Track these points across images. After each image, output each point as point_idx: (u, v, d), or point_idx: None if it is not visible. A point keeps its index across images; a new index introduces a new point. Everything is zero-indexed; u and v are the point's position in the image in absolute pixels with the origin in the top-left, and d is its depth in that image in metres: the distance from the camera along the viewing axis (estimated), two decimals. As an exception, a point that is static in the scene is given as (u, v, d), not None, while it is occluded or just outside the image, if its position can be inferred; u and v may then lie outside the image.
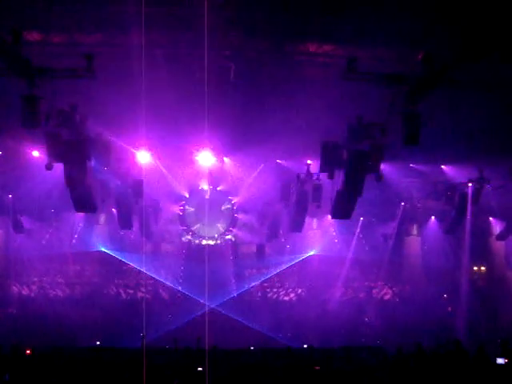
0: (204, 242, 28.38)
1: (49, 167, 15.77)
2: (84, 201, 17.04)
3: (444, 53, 12.94)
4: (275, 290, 28.60)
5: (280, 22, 14.44)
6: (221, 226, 28.18)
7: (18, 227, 26.43)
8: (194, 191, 27.07)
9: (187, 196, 27.21)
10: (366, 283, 28.73)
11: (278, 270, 28.82)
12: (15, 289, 27.48)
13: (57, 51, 15.56)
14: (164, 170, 23.60)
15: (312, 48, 16.36)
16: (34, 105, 13.65)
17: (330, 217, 21.73)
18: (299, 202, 22.13)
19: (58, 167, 15.95)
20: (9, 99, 14.65)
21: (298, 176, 21.95)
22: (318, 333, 24.32)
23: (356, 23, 14.16)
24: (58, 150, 15.45)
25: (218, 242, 28.49)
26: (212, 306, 25.31)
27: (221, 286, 27.02)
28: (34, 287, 27.78)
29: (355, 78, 14.11)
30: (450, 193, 24.46)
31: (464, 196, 23.56)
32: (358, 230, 28.15)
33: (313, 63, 17.01)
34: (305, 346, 18.74)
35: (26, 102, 13.57)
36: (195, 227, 28.05)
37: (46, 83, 13.95)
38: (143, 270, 27.25)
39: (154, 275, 27.87)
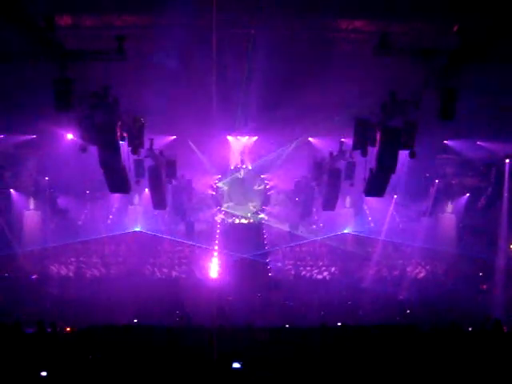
0: (237, 221, 28.53)
1: (83, 150, 15.96)
2: (118, 182, 17.22)
3: (479, 26, 12.60)
4: (308, 268, 28.62)
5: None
6: (254, 205, 28.25)
7: (54, 208, 26.98)
8: (227, 170, 27.15)
9: (220, 176, 27.31)
10: (400, 261, 28.53)
11: (312, 249, 28.86)
12: (54, 269, 28.12)
13: (88, 34, 15.67)
14: (197, 150, 23.73)
15: (343, 24, 16.13)
16: (66, 88, 13.81)
17: (363, 195, 21.61)
18: (332, 180, 21.98)
19: (93, 149, 16.14)
20: (42, 83, 14.80)
21: (331, 154, 21.79)
22: (351, 311, 24.33)
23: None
24: (92, 133, 15.61)
25: (251, 220, 28.60)
26: (246, 284, 25.50)
27: (255, 266, 27.19)
28: (71, 267, 28.37)
29: (388, 54, 13.87)
30: (486, 169, 23.99)
31: (501, 172, 23.08)
32: (392, 208, 27.90)
33: (345, 40, 16.79)
34: (338, 324, 18.75)
35: (59, 85, 13.73)
36: (228, 206, 28.17)
37: (79, 66, 14.07)
38: (177, 249, 27.54)
39: (187, 255, 28.21)
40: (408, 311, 24.09)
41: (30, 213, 28.14)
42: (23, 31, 13.00)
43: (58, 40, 13.63)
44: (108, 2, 14.77)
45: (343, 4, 14.46)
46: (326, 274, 28.54)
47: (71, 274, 28.31)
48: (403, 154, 16.75)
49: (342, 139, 21.24)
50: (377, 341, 13.64)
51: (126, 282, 26.51)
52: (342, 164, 21.56)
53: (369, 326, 17.05)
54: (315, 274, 28.56)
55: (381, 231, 28.13)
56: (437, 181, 26.70)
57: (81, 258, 28.57)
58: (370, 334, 14.14)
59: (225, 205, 28.14)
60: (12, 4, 11.76)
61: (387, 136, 16.31)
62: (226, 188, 27.72)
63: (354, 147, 18.01)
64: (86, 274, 28.33)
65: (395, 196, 27.22)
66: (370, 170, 17.60)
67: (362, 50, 16.01)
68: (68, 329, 16.32)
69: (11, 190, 26.22)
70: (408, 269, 28.33)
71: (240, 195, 27.78)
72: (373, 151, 17.32)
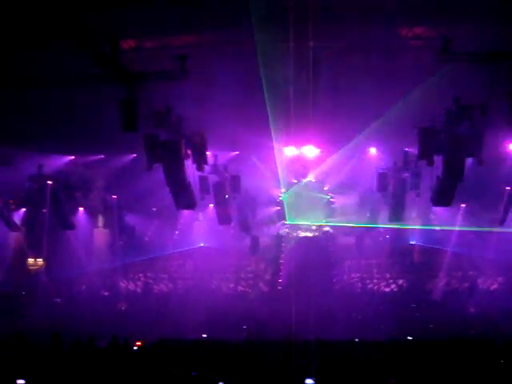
0: (302, 234, 28.40)
1: (149, 168, 16.33)
2: (184, 198, 17.52)
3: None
4: (375, 281, 28.13)
5: (369, 8, 14.13)
6: (318, 218, 28.06)
7: (122, 226, 27.72)
8: (291, 184, 27.13)
9: (284, 189, 27.34)
10: (471, 273, 27.58)
11: (378, 261, 28.35)
12: (122, 285, 28.80)
13: (150, 55, 16.11)
14: (260, 164, 23.85)
15: (403, 32, 15.89)
16: (132, 108, 14.22)
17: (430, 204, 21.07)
18: (397, 190, 21.60)
19: (158, 167, 16.48)
20: (108, 104, 15.29)
21: (395, 164, 21.43)
22: (420, 324, 23.68)
23: (445, 2, 13.58)
24: (157, 151, 15.97)
25: (316, 233, 28.41)
26: (312, 297, 25.29)
27: (320, 278, 26.97)
28: (139, 283, 28.99)
29: (451, 59, 13.56)
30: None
31: None
32: (460, 218, 27.08)
33: (405, 48, 16.54)
34: (409, 338, 18.28)
35: (125, 106, 14.15)
36: (293, 220, 28.09)
37: (142, 87, 14.47)
38: (243, 264, 27.69)
39: (253, 269, 28.30)
40: (482, 325, 23.19)
41: (98, 231, 29.03)
42: (90, 56, 13.53)
43: (122, 63, 14.09)
44: (168, 23, 15.14)
45: (402, 11, 14.25)
46: (393, 286, 27.95)
47: (139, 290, 28.92)
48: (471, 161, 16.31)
49: (406, 149, 20.88)
50: (450, 356, 13.21)
51: (192, 297, 26.82)
52: (407, 174, 21.17)
53: (441, 340, 16.54)
54: (382, 287, 28.02)
55: (449, 241, 27.32)
56: (508, 188, 25.70)
57: (148, 274, 29.15)
58: (442, 349, 13.71)
59: (289, 218, 28.07)
60: (80, 31, 12.27)
61: (453, 143, 15.93)
62: (290, 201, 27.67)
63: (420, 156, 17.64)
64: (154, 289, 28.87)
65: (463, 205, 26.41)
66: (437, 178, 17.19)
67: (424, 57, 15.71)
68: (138, 343, 16.62)
69: (80, 209, 27.13)
70: (479, 280, 27.34)
71: (304, 208, 27.66)
72: (438, 160, 16.94)
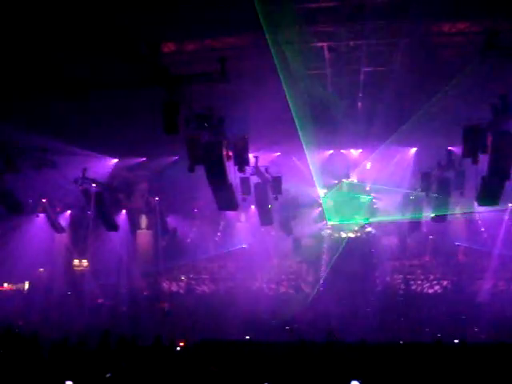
0: (344, 235, 28.18)
1: (191, 169, 16.46)
2: (226, 200, 17.57)
3: None
4: (419, 282, 27.67)
5: (410, 3, 13.89)
6: (361, 218, 27.79)
7: (164, 228, 28.05)
8: (332, 184, 26.94)
9: (326, 190, 27.16)
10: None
11: (422, 262, 27.89)
12: (165, 286, 29.13)
13: (191, 58, 16.24)
14: (301, 165, 23.77)
15: (445, 27, 15.58)
16: (173, 111, 14.36)
17: (475, 205, 20.63)
18: (441, 190, 21.19)
19: (200, 169, 16.60)
20: (150, 107, 15.47)
21: (439, 163, 21.03)
22: (467, 327, 23.19)
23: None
24: (199, 153, 16.08)
25: (359, 234, 28.15)
26: (355, 299, 25.08)
27: (363, 280, 26.70)
28: (181, 284, 29.26)
29: (497, 54, 13.21)
30: None
31: None
32: (507, 218, 26.40)
33: (448, 44, 16.22)
34: (456, 340, 17.91)
35: (167, 109, 14.31)
36: (335, 220, 27.89)
37: (183, 89, 14.59)
38: (285, 265, 27.61)
39: (295, 270, 28.22)
40: None
41: (141, 232, 29.44)
42: (132, 60, 13.74)
43: (163, 66, 14.24)
44: (208, 26, 15.22)
45: (443, 6, 13.96)
46: (437, 287, 27.45)
47: (181, 291, 29.19)
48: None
49: (450, 147, 20.49)
50: (499, 360, 12.87)
51: (234, 298, 26.91)
52: (451, 173, 20.76)
53: (490, 343, 16.15)
54: (426, 288, 27.55)
55: (495, 242, 26.67)
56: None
57: (190, 275, 29.41)
58: (491, 353, 13.37)
59: (331, 219, 27.88)
60: (123, 36, 12.47)
61: (500, 141, 15.50)
62: (332, 202, 27.47)
63: (464, 155, 17.24)
64: (196, 290, 29.10)
65: (510, 204, 25.74)
66: (483, 177, 16.78)
67: (468, 53, 15.36)
68: (181, 343, 16.78)
69: (123, 211, 27.56)
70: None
71: (346, 209, 27.43)
72: (483, 158, 16.54)
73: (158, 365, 12.21)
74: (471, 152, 16.73)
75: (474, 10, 14.06)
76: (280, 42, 14.84)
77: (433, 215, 22.77)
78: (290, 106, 16.26)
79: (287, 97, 14.76)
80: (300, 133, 18.81)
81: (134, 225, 28.82)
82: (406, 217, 26.08)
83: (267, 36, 13.82)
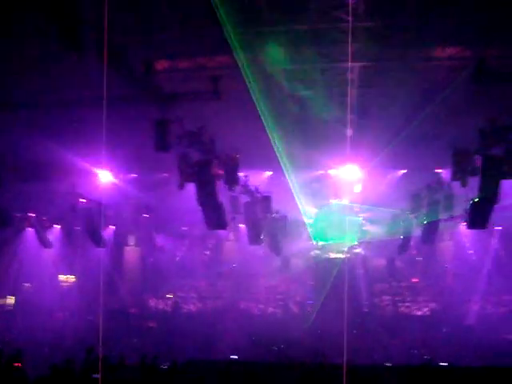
0: (333, 256, 28.17)
1: (181, 187, 16.46)
2: (215, 218, 17.56)
3: None
4: (407, 304, 27.69)
5: (402, 28, 14.05)
6: (349, 239, 27.82)
7: (153, 244, 27.93)
8: (323, 205, 26.98)
9: (315, 210, 27.19)
10: (507, 297, 26.92)
11: (410, 284, 27.94)
12: (152, 303, 28.93)
13: (184, 76, 16.26)
14: (292, 185, 23.81)
15: (436, 52, 15.76)
16: (165, 128, 14.42)
17: (463, 227, 20.77)
18: (430, 212, 21.29)
19: (190, 186, 16.58)
20: (141, 124, 15.49)
21: (429, 185, 21.16)
22: (454, 350, 23.16)
23: (482, 21, 13.40)
24: (189, 171, 16.10)
25: (347, 255, 28.16)
26: (342, 320, 24.95)
27: (351, 301, 26.62)
28: (168, 302, 29.08)
29: (486, 80, 13.39)
30: None
31: None
32: (495, 240, 26.55)
33: (439, 68, 16.37)
34: (443, 363, 17.88)
35: (159, 126, 14.35)
36: (324, 241, 27.90)
37: (176, 107, 14.64)
38: (273, 285, 27.56)
39: (283, 290, 28.15)
40: None
41: (129, 249, 29.28)
42: (126, 77, 13.76)
43: (156, 83, 14.29)
44: (202, 45, 15.28)
45: (436, 31, 14.14)
46: (425, 309, 27.47)
47: (168, 309, 28.99)
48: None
49: (440, 170, 20.63)
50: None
51: (222, 318, 26.77)
52: (440, 196, 20.88)
53: (477, 367, 16.16)
54: (414, 310, 27.56)
55: (483, 265, 26.78)
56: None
57: (178, 293, 29.23)
58: (478, 376, 13.36)
59: (320, 239, 27.89)
60: (117, 53, 12.51)
61: (488, 165, 15.65)
62: (321, 223, 27.50)
63: (453, 178, 17.39)
64: (183, 308, 28.90)
65: (499, 228, 25.90)
66: (472, 200, 16.90)
67: (459, 78, 15.53)
68: (167, 362, 16.61)
69: (112, 227, 27.40)
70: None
71: (335, 229, 27.46)
72: (472, 181, 16.67)
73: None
74: (460, 175, 16.88)
75: (465, 36, 14.24)
76: (269, 63, 14.93)
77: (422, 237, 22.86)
78: (278, 126, 16.30)
79: (275, 117, 14.83)
80: (288, 153, 18.90)
81: (121, 241, 28.67)
82: (395, 238, 26.17)
83: (257, 57, 13.88)
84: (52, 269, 28.02)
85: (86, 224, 23.50)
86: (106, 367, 12.88)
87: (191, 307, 29.05)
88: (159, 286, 29.06)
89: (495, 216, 17.49)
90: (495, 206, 16.62)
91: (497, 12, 12.36)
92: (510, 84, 13.86)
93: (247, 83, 13.82)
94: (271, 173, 21.93)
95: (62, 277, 28.93)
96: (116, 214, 26.40)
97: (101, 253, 26.07)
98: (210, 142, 15.97)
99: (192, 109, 15.15)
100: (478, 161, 15.99)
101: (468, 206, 17.34)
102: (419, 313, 27.55)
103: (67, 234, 26.29)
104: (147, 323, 27.46)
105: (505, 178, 15.79)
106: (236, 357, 18.94)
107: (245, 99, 14.91)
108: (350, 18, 11.60)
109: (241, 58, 13.39)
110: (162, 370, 14.92)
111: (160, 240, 28.57)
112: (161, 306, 29.08)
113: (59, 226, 26.69)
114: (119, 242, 28.50)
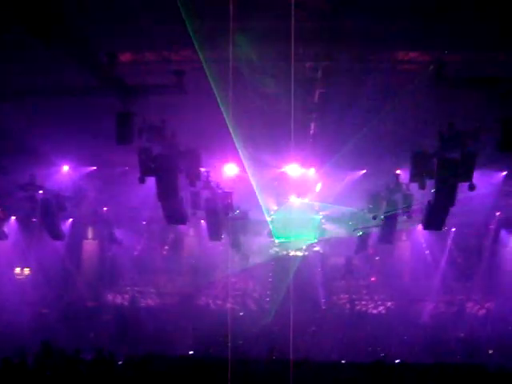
0: (292, 254, 28.39)
1: (141, 181, 16.31)
2: (175, 213, 17.48)
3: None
4: (364, 302, 28.12)
5: (365, 31, 14.23)
6: (308, 237, 28.06)
7: (112, 238, 27.59)
8: (283, 203, 27.13)
9: (275, 208, 27.33)
10: (459, 297, 27.65)
11: (367, 283, 28.37)
12: (109, 297, 28.61)
13: (148, 69, 16.10)
14: (253, 183, 23.88)
15: (398, 55, 16.01)
16: (127, 121, 14.26)
17: (420, 228, 21.20)
18: (389, 212, 21.66)
19: (150, 180, 16.46)
20: (103, 116, 15.29)
21: (387, 186, 21.52)
22: (408, 348, 23.66)
23: (444, 27, 13.70)
24: (150, 165, 15.97)
25: (306, 253, 28.41)
26: (300, 317, 25.18)
27: (309, 298, 26.91)
28: (126, 296, 28.83)
29: (445, 85, 13.69)
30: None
31: None
32: (450, 242, 27.21)
33: (399, 71, 16.64)
34: (396, 361, 18.24)
35: (120, 119, 14.19)
36: (283, 238, 28.08)
37: (139, 100, 14.49)
38: (232, 281, 27.59)
39: (242, 286, 28.22)
40: (491, 351, 23.11)
41: (88, 242, 28.88)
42: (88, 67, 13.57)
43: (119, 75, 14.12)
44: (167, 38, 15.16)
45: (399, 35, 14.36)
46: (381, 308, 27.94)
47: (126, 303, 28.72)
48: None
49: (398, 171, 20.98)
50: (435, 380, 13.20)
51: (179, 313, 26.68)
52: (399, 197, 21.26)
53: (428, 364, 16.53)
54: (371, 309, 28.00)
55: (438, 265, 27.41)
56: (498, 213, 25.91)
57: (136, 288, 28.98)
58: (431, 373, 13.69)
59: (280, 237, 28.06)
60: (78, 42, 12.32)
61: (445, 168, 16.02)
62: (281, 220, 27.66)
63: (411, 179, 17.74)
64: (141, 303, 28.68)
65: (453, 229, 26.56)
66: (428, 202, 17.27)
67: (419, 81, 15.82)
68: (124, 357, 16.49)
69: (70, 220, 26.97)
70: (468, 305, 27.41)
71: (295, 227, 27.68)
72: (430, 183, 17.03)
73: (100, 379, 11.98)
74: (418, 177, 17.20)
75: (426, 41, 14.51)
76: (236, 58, 14.91)
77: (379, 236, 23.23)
78: (241, 122, 16.30)
79: (238, 113, 14.82)
80: (250, 150, 18.94)
81: (80, 234, 28.26)
82: (354, 237, 26.55)
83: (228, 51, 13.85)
84: (6, 261, 27.38)
85: (44, 216, 23.08)
86: (60, 361, 12.74)
87: (149, 302, 28.85)
88: (117, 281, 28.79)
89: (451, 218, 17.94)
90: (451, 208, 17.02)
91: (457, 18, 12.63)
92: (468, 89, 14.16)
93: (210, 78, 13.79)
94: (233, 169, 21.89)
95: (17, 269, 28.33)
96: (75, 207, 25.99)
97: (58, 245, 25.72)
98: (172, 136, 15.86)
99: (155, 102, 15.00)
100: (435, 163, 16.34)
101: (425, 208, 17.73)
102: (375, 311, 28.01)
103: (24, 225, 25.73)
104: (104, 317, 27.16)
105: (460, 181, 16.19)
106: (192, 352, 18.91)
107: (208, 94, 14.88)
108: (313, 18, 11.69)
109: (204, 52, 13.34)
110: (117, 365, 14.81)
111: (119, 234, 28.22)
112: (118, 300, 28.79)
113: (15, 218, 26.11)
114: (77, 235, 28.04)
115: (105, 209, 26.88)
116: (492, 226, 26.45)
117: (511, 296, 26.11)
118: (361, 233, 25.45)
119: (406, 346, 23.81)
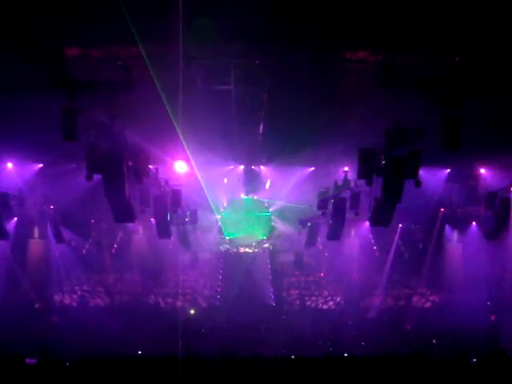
0: (242, 251, 28.47)
1: (88, 178, 16.02)
2: (123, 211, 17.23)
3: (480, 58, 12.74)
4: (314, 298, 28.45)
5: (312, 29, 14.35)
6: (258, 234, 28.20)
7: (58, 237, 26.99)
8: (232, 200, 27.18)
9: (225, 205, 27.34)
10: (406, 291, 28.34)
11: (317, 278, 28.72)
12: (57, 298, 28.01)
13: (96, 65, 15.82)
14: (202, 180, 23.81)
15: (347, 55, 16.23)
16: (73, 118, 13.97)
17: (368, 224, 21.60)
18: (337, 209, 21.97)
19: (98, 178, 16.19)
20: (49, 112, 14.94)
21: (336, 183, 21.82)
22: (357, 341, 24.12)
23: (390, 28, 13.97)
24: (97, 162, 15.69)
25: (256, 250, 28.53)
26: (250, 314, 25.32)
27: (259, 295, 27.05)
28: (74, 296, 28.29)
29: (392, 85, 13.97)
30: (491, 198, 23.85)
31: (506, 201, 22.98)
32: (397, 237, 27.84)
33: (348, 70, 16.87)
34: (345, 354, 18.55)
35: (66, 115, 13.89)
36: (233, 235, 28.14)
37: (86, 96, 14.22)
38: (182, 279, 27.45)
39: (192, 284, 28.10)
40: (434, 341, 23.74)
41: (34, 241, 28.16)
42: (33, 62, 13.22)
43: (66, 70, 13.81)
44: (115, 33, 14.93)
45: (347, 34, 14.55)
46: (331, 303, 28.33)
47: (74, 304, 28.18)
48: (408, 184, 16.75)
49: (346, 168, 21.29)
50: (385, 371, 13.49)
51: (129, 312, 26.38)
52: (347, 193, 21.59)
53: (376, 356, 16.87)
54: (320, 304, 28.36)
55: (386, 261, 27.99)
56: (442, 209, 26.66)
57: (84, 287, 28.48)
58: (377, 365, 13.98)
59: (229, 234, 28.12)
60: (23, 36, 11.98)
61: (392, 165, 16.33)
62: (230, 217, 27.72)
63: (359, 176, 18.02)
64: (90, 303, 28.20)
65: (400, 225, 27.18)
66: (375, 199, 17.59)
67: (366, 81, 16.08)
68: (71, 358, 16.19)
69: (15, 218, 26.25)
70: (414, 298, 28.13)
71: (245, 224, 27.77)
72: (378, 180, 17.35)
73: (46, 382, 11.73)
74: (366, 174, 17.49)
75: (375, 41, 14.75)
76: (185, 56, 14.82)
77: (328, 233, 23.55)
78: (189, 120, 16.22)
79: (186, 111, 14.72)
80: (198, 147, 18.89)
81: (25, 234, 27.52)
82: (303, 233, 26.84)
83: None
84: None
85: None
86: (3, 364, 12.41)
87: (99, 302, 28.38)
88: (65, 280, 28.19)
89: (397, 214, 18.33)
90: (398, 204, 17.39)
91: (401, 19, 12.91)
92: (413, 89, 14.49)
93: (154, 76, 13.67)
94: (181, 166, 21.78)
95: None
96: (20, 205, 25.31)
97: (2, 245, 25.00)
98: (120, 132, 15.62)
99: (103, 99, 14.75)
100: (382, 161, 16.65)
101: (372, 205, 18.05)
102: (325, 306, 28.36)
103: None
104: (51, 318, 26.58)
105: (407, 178, 16.55)
106: (140, 352, 18.74)
107: (156, 91, 14.76)
108: (262, 17, 11.74)
109: (150, 49, 13.21)
110: (64, 366, 14.52)
111: (66, 233, 27.64)
112: (67, 300, 28.21)
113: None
114: (23, 235, 27.29)
115: (51, 207, 26.26)
116: (437, 222, 27.12)
117: (455, 289, 26.95)
118: (309, 224, 25.74)
119: (355, 339, 24.26)
